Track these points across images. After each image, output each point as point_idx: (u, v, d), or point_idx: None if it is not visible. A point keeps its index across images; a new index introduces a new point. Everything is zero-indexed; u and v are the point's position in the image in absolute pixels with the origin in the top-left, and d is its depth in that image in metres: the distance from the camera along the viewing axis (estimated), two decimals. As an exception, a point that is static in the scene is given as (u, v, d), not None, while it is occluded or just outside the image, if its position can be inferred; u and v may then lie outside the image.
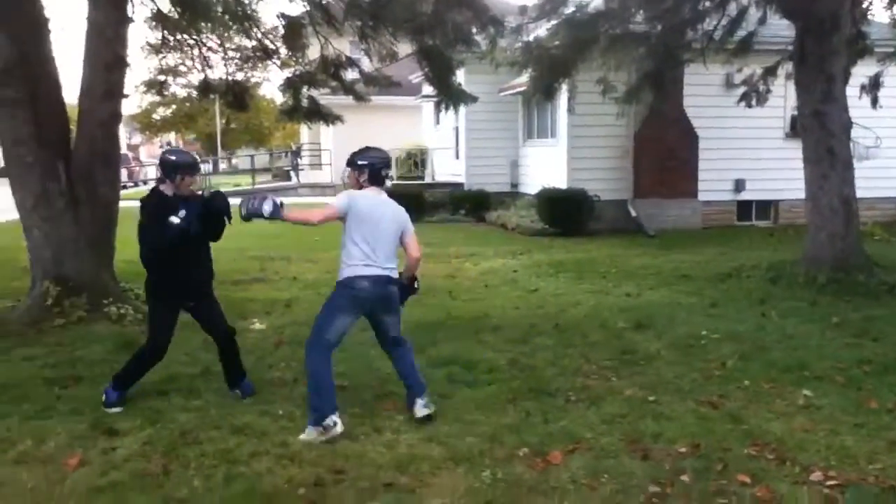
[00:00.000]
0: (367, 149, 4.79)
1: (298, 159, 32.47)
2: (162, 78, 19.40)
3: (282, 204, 4.41)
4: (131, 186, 30.00)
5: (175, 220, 4.58)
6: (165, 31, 9.34)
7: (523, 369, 5.56)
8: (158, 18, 8.94)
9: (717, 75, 13.71)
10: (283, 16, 9.39)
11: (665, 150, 14.58)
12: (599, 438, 4.19)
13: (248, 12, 9.54)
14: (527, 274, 9.86)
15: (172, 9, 8.54)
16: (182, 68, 31.57)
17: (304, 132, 31.51)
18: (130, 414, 4.56)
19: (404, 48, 9.75)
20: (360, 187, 4.65)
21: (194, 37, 9.84)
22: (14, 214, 15.33)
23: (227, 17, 9.39)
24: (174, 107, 44.74)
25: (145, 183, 31.44)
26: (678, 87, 13.58)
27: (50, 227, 6.85)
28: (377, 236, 4.50)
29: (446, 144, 19.86)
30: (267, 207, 4.32)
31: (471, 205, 17.10)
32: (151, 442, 4.13)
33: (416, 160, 20.97)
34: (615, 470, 3.79)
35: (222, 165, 46.55)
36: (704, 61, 10.70)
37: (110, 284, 7.18)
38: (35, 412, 4.59)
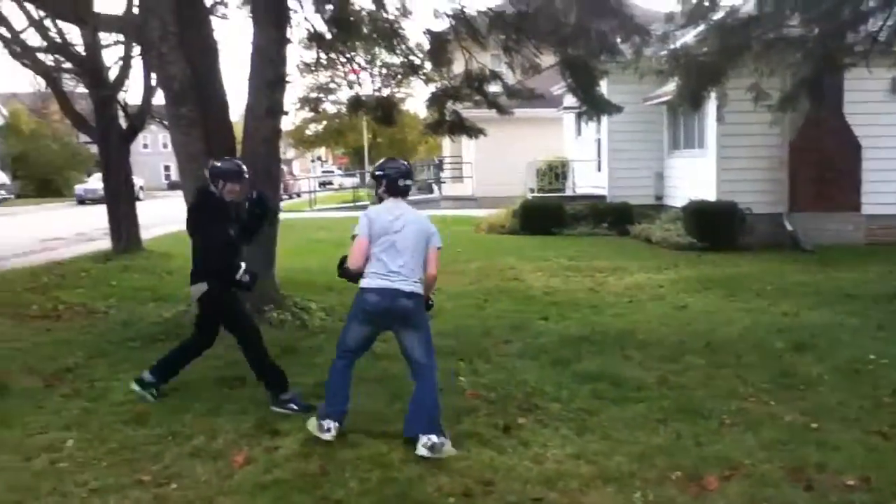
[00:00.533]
0: (386, 160, 4.75)
1: (441, 172, 33.10)
2: (315, 95, 20.29)
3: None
4: (286, 199, 31.63)
5: (231, 232, 5.05)
6: (320, 51, 9.83)
7: (673, 388, 5.40)
8: (314, 39, 9.42)
9: (882, 80, 12.79)
10: (428, 32, 9.64)
11: (824, 161, 13.74)
12: (758, 465, 4.01)
13: (396, 28, 9.88)
14: (674, 290, 9.57)
15: (327, 29, 8.98)
16: (332, 85, 32.94)
17: (447, 145, 32.07)
18: (291, 416, 4.81)
19: (547, 59, 9.75)
20: (381, 199, 4.63)
21: (346, 55, 10.30)
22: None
23: (375, 34, 9.78)
24: (325, 123, 46.84)
25: (298, 195, 33.09)
26: (838, 94, 12.78)
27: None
28: (392, 248, 4.43)
29: (588, 156, 19.62)
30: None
31: (613, 218, 16.77)
32: (310, 443, 4.34)
33: (557, 172, 20.84)
34: (776, 499, 3.62)
35: (368, 179, 48.06)
36: (868, 65, 10.00)
37: (271, 291, 7.60)
38: (206, 410, 4.93)
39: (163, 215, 21.41)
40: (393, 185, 4.57)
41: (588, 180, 19.73)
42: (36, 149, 43.77)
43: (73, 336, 7.22)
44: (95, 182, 36.39)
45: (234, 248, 5.14)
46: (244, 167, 5.27)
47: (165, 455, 4.20)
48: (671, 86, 12.15)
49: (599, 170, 18.90)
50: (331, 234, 17.85)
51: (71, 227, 20.18)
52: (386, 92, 11.36)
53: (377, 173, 4.63)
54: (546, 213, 17.09)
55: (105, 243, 14.13)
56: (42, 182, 43.79)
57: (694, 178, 15.37)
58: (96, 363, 6.19)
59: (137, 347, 6.69)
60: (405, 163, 4.78)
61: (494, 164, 24.81)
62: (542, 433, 4.52)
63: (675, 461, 4.06)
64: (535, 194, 19.91)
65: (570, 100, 17.38)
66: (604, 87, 11.37)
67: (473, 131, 10.51)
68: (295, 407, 4.92)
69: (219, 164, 5.24)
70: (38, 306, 8.62)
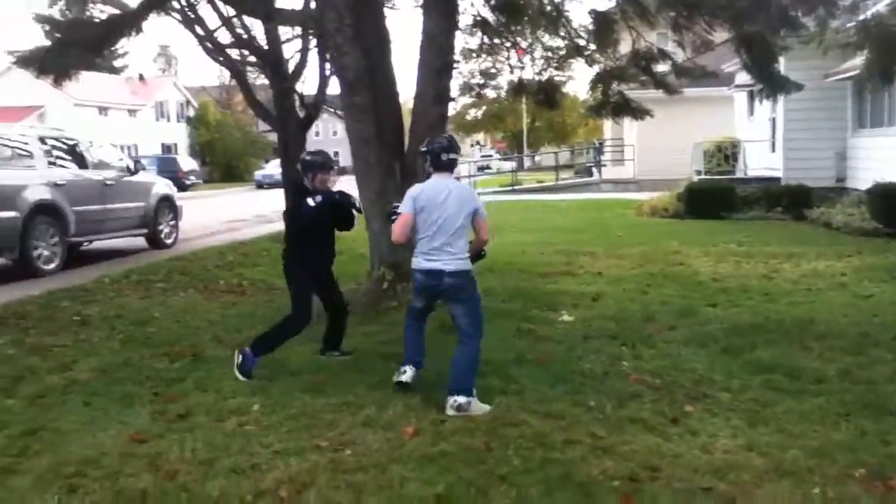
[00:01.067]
0: (432, 137, 4.92)
1: (601, 155, 32.49)
2: (478, 81, 20.48)
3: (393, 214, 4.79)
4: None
5: (311, 202, 5.31)
6: (484, 36, 9.93)
7: (857, 382, 5.04)
8: (478, 25, 9.53)
9: None
10: (593, 12, 9.47)
11: None
12: (959, 470, 3.68)
13: (561, 10, 9.79)
14: (857, 278, 8.88)
15: (492, 15, 9.05)
16: (492, 70, 33.09)
17: (608, 128, 31.42)
18: (456, 392, 4.95)
19: (719, 35, 9.30)
20: (428, 176, 4.73)
21: (510, 39, 10.33)
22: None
23: (541, 17, 9.74)
24: (484, 107, 47.25)
25: (458, 179, 33.62)
26: None
27: (386, 220, 7.64)
28: (438, 222, 4.61)
29: (761, 136, 18.56)
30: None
31: (788, 201, 15.77)
32: (475, 419, 4.45)
33: (726, 153, 19.88)
34: (978, 507, 3.30)
35: (527, 163, 48.17)
36: None
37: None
38: (375, 383, 5.18)
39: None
40: (437, 159, 4.71)
41: (760, 162, 18.68)
42: (221, 137, 47.46)
43: (255, 310, 7.78)
44: (272, 168, 38.86)
45: (314, 231, 5.50)
46: (332, 159, 5.64)
47: (340, 423, 4.45)
48: (858, 60, 11.21)
49: (773, 150, 17.84)
50: (490, 216, 18.05)
51: (251, 210, 21.68)
52: (548, 75, 11.31)
53: (422, 149, 4.83)
54: (714, 196, 16.34)
55: (281, 225, 15.07)
56: (226, 168, 47.42)
57: (883, 158, 14.15)
58: (276, 335, 6.63)
59: (313, 322, 7.08)
60: (448, 137, 4.95)
61: (657, 145, 24.01)
62: (712, 423, 4.37)
63: (859, 458, 3.81)
64: (702, 176, 19.11)
65: (742, 77, 16.52)
66: (781, 63, 10.70)
67: (639, 112, 10.25)
68: (241, 376, 5.27)
69: (308, 157, 5.60)
70: (224, 282, 9.37)
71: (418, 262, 4.75)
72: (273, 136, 14.47)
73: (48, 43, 9.38)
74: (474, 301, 4.79)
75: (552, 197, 24.61)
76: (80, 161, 11.37)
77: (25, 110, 35.57)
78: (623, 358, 5.71)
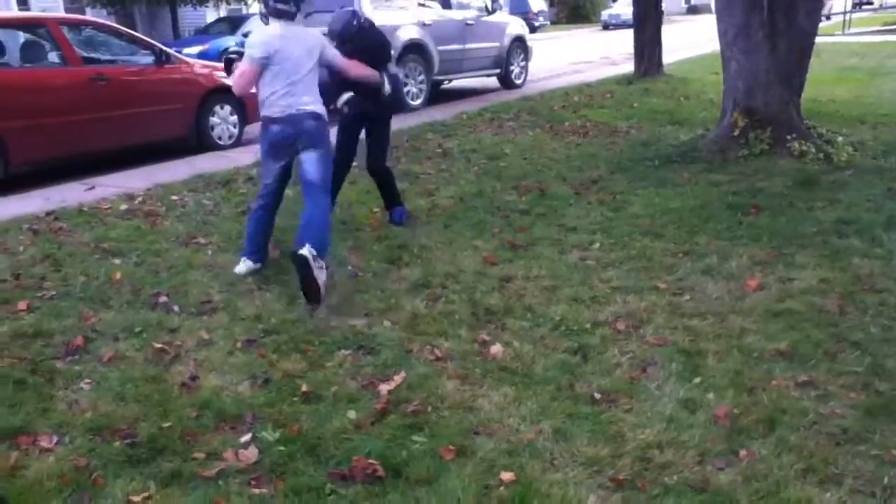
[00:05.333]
0: None
1: None
2: None
3: None
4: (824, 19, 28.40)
5: None
6: None
7: None
8: None
9: None
10: None
11: None
12: None
13: None
14: None
15: None
16: None
17: None
18: (809, 249, 4.61)
19: None
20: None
21: None
22: (706, 49, 16.31)
23: None
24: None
25: (828, 18, 29.44)
26: None
27: (746, 59, 7.04)
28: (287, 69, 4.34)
29: None
30: None
31: None
32: (828, 280, 4.14)
33: None
34: None
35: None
36: None
37: (795, 120, 7.13)
38: (718, 232, 5.01)
39: (682, 40, 21.21)
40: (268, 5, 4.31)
41: None
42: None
43: (598, 151, 7.85)
44: (620, 7, 37.52)
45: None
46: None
47: (679, 268, 4.43)
48: None
49: None
50: (864, 61, 15.71)
51: (596, 51, 21.35)
52: None
53: None
54: None
55: (627, 67, 14.68)
56: (574, 9, 46.82)
57: None
58: (617, 178, 6.67)
59: (655, 166, 6.99)
60: None
61: None
62: None
63: None
64: None
65: None
66: None
67: None
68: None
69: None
70: (569, 123, 9.51)
71: (270, 111, 4.33)
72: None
73: None
74: (329, 149, 4.52)
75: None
76: (445, 1, 11.99)
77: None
78: None
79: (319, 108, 4.39)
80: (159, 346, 3.52)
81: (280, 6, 4.27)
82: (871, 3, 41.03)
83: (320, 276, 4.02)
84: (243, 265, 4.46)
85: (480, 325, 3.76)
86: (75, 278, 4.37)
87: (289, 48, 4.26)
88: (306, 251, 3.96)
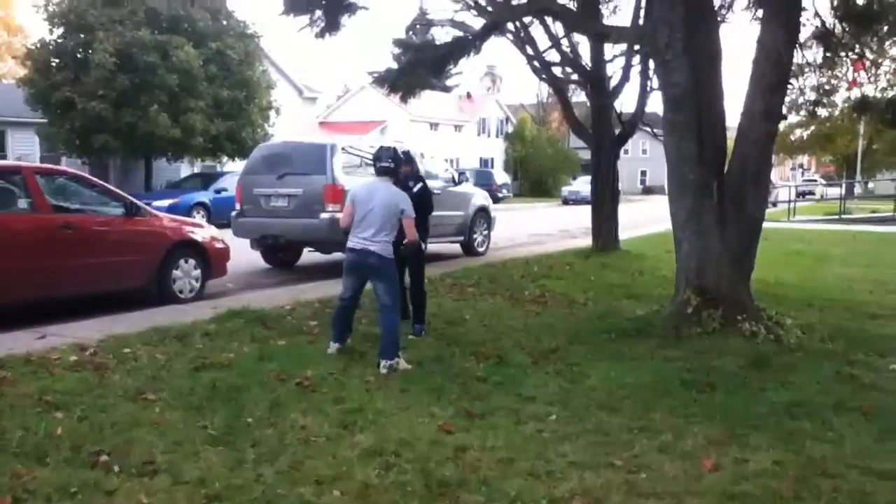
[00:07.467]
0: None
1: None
2: (811, 98, 18.95)
3: None
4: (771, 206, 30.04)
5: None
6: (824, 49, 9.13)
7: None
8: (819, 36, 8.79)
9: None
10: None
11: None
12: None
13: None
14: None
15: (839, 24, 8.28)
16: (827, 87, 30.21)
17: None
18: (763, 431, 4.64)
19: None
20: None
21: (854, 52, 9.38)
22: (660, 227, 16.94)
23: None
24: (812, 127, 43.29)
25: (775, 205, 31.21)
26: None
27: (697, 241, 7.39)
28: (365, 215, 5.98)
29: None
30: None
31: None
32: (782, 463, 4.14)
33: None
34: None
35: (857, 189, 43.24)
36: None
37: (746, 301, 7.38)
38: (673, 409, 5.03)
39: (637, 218, 22.19)
40: (374, 166, 6.09)
41: None
42: (534, 153, 49.26)
43: (556, 321, 7.97)
44: (579, 185, 39.38)
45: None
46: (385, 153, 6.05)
47: (635, 444, 4.40)
48: None
49: None
50: (810, 246, 16.53)
51: (556, 224, 22.20)
52: (896, 92, 10.09)
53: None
54: None
55: (585, 241, 15.23)
56: (535, 183, 49.08)
57: None
58: (575, 349, 6.73)
59: (611, 339, 7.09)
60: (387, 148, 6.13)
61: None
62: None
63: None
64: None
65: None
66: None
67: None
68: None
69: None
70: (528, 292, 9.72)
71: (350, 243, 5.92)
72: (583, 153, 14.76)
73: (396, 65, 10.55)
74: (395, 280, 6.05)
75: (889, 229, 21.77)
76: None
77: (371, 124, 40.47)
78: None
79: (381, 248, 5.80)
80: (93, 509, 3.33)
81: (382, 164, 5.96)
82: (813, 193, 43.75)
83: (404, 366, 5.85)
84: (332, 347, 6.16)
85: (433, 499, 3.65)
86: (13, 432, 4.19)
87: (377, 197, 5.83)
88: (382, 369, 5.72)
